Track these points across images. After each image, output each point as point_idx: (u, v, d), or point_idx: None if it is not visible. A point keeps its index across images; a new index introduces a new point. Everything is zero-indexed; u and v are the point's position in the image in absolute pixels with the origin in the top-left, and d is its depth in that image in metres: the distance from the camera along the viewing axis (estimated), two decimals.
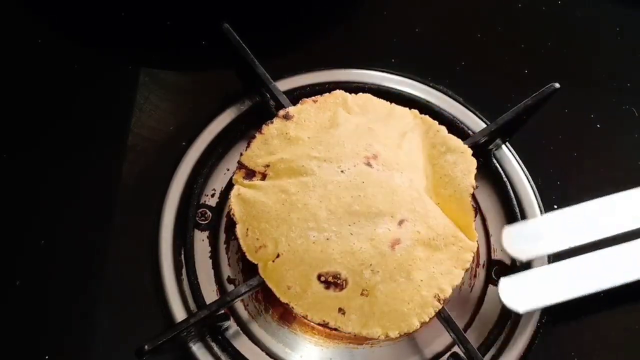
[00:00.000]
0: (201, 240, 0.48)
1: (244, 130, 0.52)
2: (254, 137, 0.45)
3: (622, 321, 0.47)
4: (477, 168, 0.45)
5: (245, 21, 0.51)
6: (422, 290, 0.40)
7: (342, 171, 0.43)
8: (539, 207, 0.50)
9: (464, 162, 0.45)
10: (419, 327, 0.40)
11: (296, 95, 0.50)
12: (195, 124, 0.51)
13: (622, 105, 0.56)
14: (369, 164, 0.43)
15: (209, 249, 0.48)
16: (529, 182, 0.51)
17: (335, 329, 0.40)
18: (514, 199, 0.50)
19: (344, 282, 0.40)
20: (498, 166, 0.51)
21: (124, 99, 0.54)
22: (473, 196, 0.44)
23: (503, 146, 0.52)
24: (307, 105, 0.47)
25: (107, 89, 0.54)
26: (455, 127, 0.51)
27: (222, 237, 0.49)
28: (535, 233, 0.46)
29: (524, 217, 0.49)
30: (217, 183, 0.50)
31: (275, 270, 0.41)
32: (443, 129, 0.47)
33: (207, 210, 0.49)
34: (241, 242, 0.42)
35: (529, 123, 0.49)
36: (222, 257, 0.48)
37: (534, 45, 0.59)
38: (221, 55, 0.51)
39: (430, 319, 0.40)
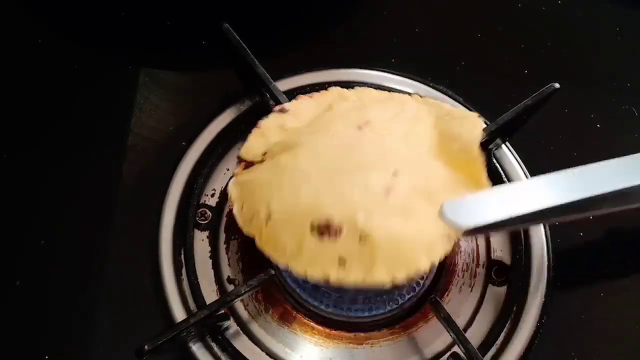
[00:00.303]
0: (201, 240, 0.48)
1: (244, 130, 0.51)
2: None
3: (622, 314, 0.47)
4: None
5: (245, 21, 0.51)
6: (429, 228, 0.37)
7: (333, 136, 0.42)
8: None
9: (470, 122, 0.44)
10: (428, 268, 0.37)
11: (296, 95, 0.50)
12: (195, 124, 0.51)
13: (622, 105, 0.56)
14: (361, 128, 0.42)
15: (209, 249, 0.48)
16: None
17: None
18: None
19: (339, 230, 0.38)
20: (498, 166, 0.51)
21: (124, 99, 0.54)
22: None
23: (503, 146, 0.52)
24: (302, 100, 0.47)
25: (107, 89, 0.54)
26: None
27: (222, 237, 0.49)
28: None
29: None
30: (217, 183, 0.50)
31: (269, 235, 0.40)
32: (447, 105, 0.46)
33: (207, 210, 0.49)
34: (237, 218, 0.41)
35: (529, 123, 0.49)
36: (222, 257, 0.48)
37: (534, 45, 0.59)
38: (221, 55, 0.51)
39: (440, 259, 0.37)
